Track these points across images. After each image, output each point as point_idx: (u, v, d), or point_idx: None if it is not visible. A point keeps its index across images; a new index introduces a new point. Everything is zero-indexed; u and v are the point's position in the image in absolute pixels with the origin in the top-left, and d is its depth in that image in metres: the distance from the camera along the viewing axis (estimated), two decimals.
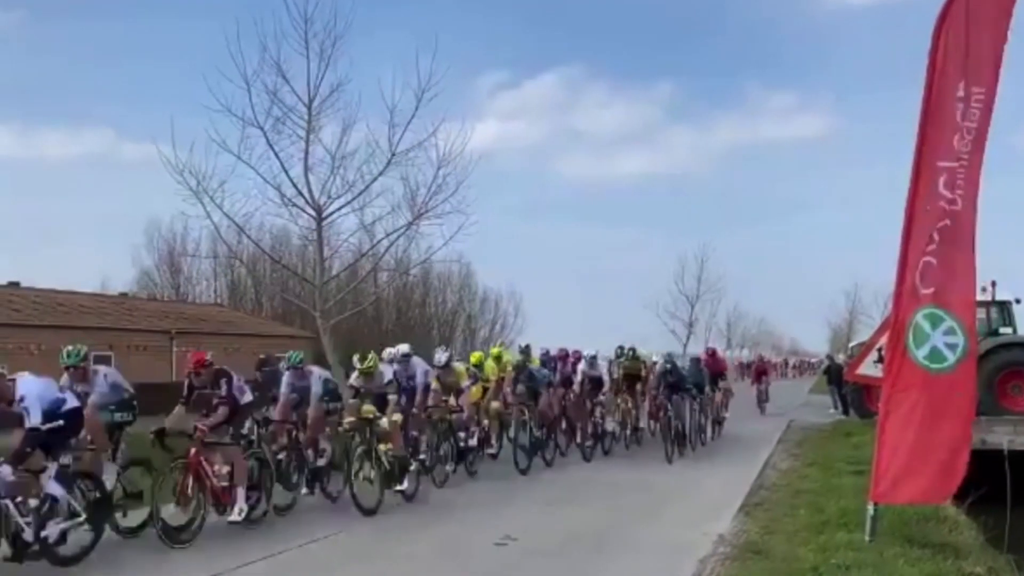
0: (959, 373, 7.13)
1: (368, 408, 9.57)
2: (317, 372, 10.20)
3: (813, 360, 78.93)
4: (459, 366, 12.69)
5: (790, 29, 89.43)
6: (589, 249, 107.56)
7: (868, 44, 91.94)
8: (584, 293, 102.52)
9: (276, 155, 19.91)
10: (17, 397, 6.50)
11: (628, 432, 15.31)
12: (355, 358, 10.40)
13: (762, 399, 26.13)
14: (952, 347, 7.06)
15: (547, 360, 15.20)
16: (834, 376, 25.24)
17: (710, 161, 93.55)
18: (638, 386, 15.93)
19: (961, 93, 7.02)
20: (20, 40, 69.55)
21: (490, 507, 9.48)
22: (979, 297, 18.37)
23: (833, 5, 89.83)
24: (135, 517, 7.68)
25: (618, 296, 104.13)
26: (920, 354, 7.08)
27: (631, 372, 15.79)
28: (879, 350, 8.20)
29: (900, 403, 7.12)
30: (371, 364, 9.96)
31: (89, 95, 77.27)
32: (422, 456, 10.40)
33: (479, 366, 13.17)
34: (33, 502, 6.42)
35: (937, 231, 7.04)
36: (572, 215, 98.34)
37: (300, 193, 20.41)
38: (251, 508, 8.07)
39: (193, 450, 7.66)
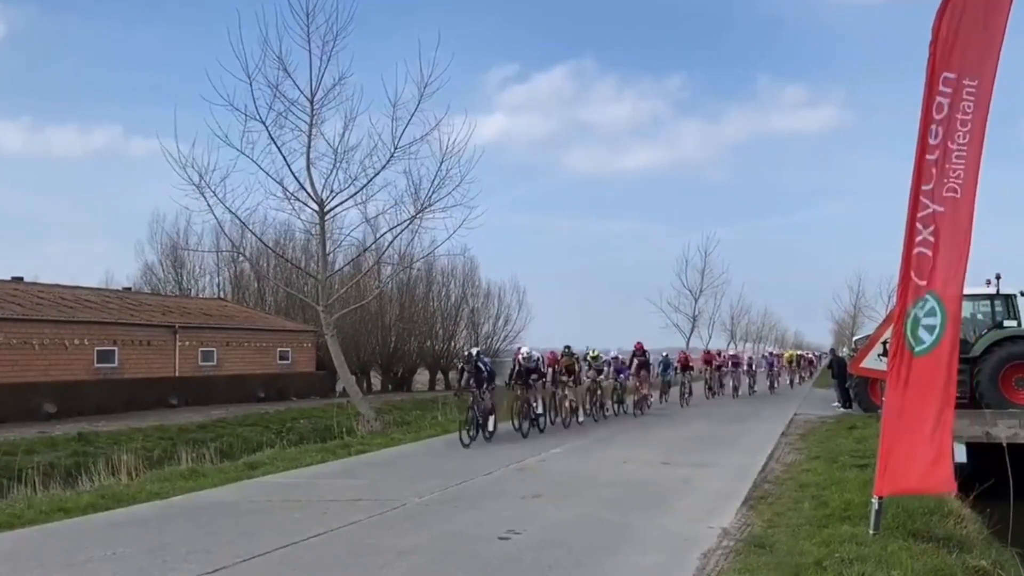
0: (936, 357, 7.02)
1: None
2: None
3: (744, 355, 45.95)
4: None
5: (802, 23, 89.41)
6: (594, 242, 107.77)
7: (881, 37, 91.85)
8: (589, 286, 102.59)
9: (279, 149, 19.94)
10: None
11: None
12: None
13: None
14: (929, 328, 6.99)
15: None
16: (838, 370, 25.23)
17: (718, 155, 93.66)
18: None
19: (943, 87, 7.01)
20: (29, 37, 69.67)
21: (490, 502, 9.49)
22: (984, 290, 18.41)
23: None
24: None
25: (623, 289, 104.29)
26: (913, 343, 7.04)
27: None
28: (884, 343, 8.19)
29: (903, 396, 7.09)
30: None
31: (98, 91, 77.43)
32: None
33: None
34: None
35: (927, 221, 7.00)
36: (578, 208, 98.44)
37: (303, 187, 20.43)
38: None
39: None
